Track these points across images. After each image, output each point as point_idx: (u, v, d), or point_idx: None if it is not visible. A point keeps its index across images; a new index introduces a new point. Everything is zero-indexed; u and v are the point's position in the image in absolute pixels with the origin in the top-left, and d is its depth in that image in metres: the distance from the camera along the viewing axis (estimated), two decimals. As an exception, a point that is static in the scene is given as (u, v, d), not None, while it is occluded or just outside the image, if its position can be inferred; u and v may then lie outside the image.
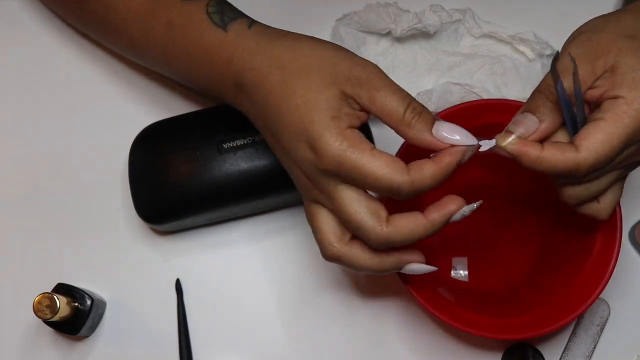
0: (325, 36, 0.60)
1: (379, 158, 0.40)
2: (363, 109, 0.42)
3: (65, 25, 0.62)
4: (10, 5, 0.63)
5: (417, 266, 0.44)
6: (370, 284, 0.57)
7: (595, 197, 0.44)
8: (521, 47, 0.60)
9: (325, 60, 0.42)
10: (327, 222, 0.42)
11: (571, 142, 0.40)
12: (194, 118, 0.55)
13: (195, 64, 0.49)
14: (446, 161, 0.40)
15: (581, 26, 0.44)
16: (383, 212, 0.41)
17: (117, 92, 0.61)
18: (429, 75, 0.60)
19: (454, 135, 0.40)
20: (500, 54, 0.60)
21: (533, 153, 0.40)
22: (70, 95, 0.61)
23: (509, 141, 0.41)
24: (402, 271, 0.44)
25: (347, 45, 0.60)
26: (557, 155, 0.40)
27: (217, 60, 0.47)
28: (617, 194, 0.45)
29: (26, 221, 0.58)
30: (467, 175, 0.56)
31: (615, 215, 0.49)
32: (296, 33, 0.45)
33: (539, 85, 0.43)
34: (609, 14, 0.44)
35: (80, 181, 0.59)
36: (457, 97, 0.58)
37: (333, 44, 0.44)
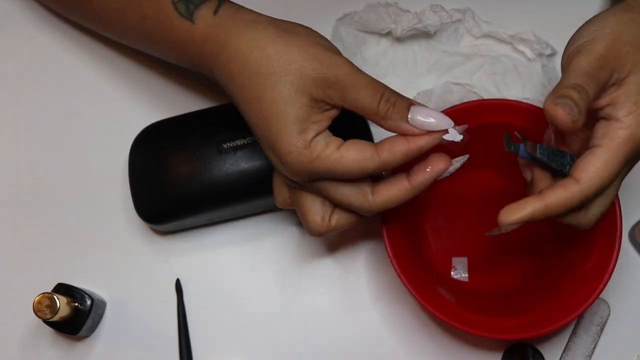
0: (326, 36, 0.60)
1: (347, 153, 0.41)
2: (335, 106, 0.42)
3: (64, 26, 0.62)
4: (7, 4, 0.63)
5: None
6: (372, 287, 0.57)
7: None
8: (521, 47, 0.60)
9: (292, 65, 0.41)
10: (310, 205, 0.45)
11: (570, 177, 0.40)
12: (194, 118, 0.55)
13: (175, 54, 0.48)
14: (419, 143, 0.41)
15: (591, 24, 0.42)
16: (368, 187, 0.43)
17: (117, 92, 0.61)
18: (429, 75, 0.60)
19: (429, 119, 0.41)
20: (500, 54, 0.60)
21: (539, 208, 0.40)
22: (70, 95, 0.61)
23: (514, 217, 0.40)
24: None
25: (347, 45, 0.60)
26: (562, 196, 0.40)
27: (192, 53, 0.46)
28: (606, 204, 0.43)
29: (26, 221, 0.58)
30: (466, 176, 0.56)
31: (615, 215, 0.49)
32: (265, 19, 0.43)
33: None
34: (621, 9, 0.42)
35: (80, 181, 0.59)
36: (457, 97, 0.58)
37: (301, 36, 0.42)
